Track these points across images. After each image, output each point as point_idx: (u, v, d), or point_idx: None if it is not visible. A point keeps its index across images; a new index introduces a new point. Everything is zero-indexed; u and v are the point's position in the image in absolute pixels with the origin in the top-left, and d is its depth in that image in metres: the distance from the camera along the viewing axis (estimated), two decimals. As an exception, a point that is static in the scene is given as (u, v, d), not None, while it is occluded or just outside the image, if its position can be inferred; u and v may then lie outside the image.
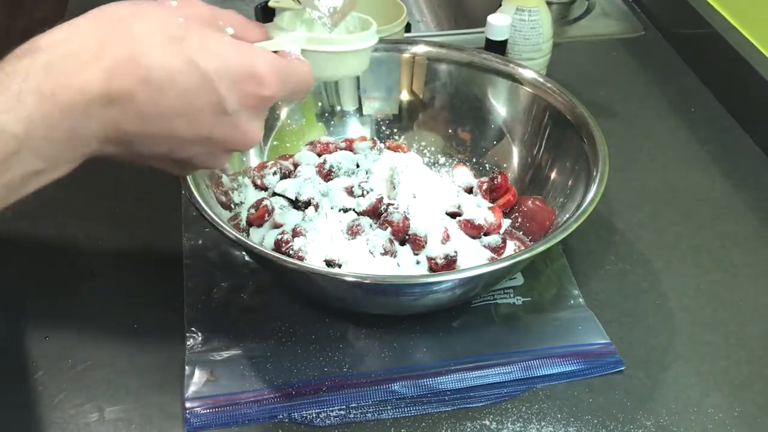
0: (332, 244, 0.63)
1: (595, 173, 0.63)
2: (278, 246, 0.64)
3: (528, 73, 0.74)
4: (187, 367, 0.59)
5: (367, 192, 0.67)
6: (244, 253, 0.68)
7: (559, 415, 0.57)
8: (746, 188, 0.79)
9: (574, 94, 0.70)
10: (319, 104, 0.79)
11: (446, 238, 0.65)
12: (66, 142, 0.44)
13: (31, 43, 0.44)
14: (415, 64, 0.78)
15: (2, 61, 0.43)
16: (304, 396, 0.58)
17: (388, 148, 0.75)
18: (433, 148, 0.79)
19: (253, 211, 0.68)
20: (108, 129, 0.45)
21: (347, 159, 0.72)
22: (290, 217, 0.67)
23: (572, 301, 0.66)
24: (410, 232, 0.64)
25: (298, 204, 0.69)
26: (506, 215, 0.71)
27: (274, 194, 0.70)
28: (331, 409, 0.57)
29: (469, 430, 0.56)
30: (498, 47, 0.83)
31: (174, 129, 0.47)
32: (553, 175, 0.70)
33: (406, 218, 0.64)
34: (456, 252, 0.63)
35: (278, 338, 0.62)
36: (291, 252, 0.63)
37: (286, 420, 0.57)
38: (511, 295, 0.66)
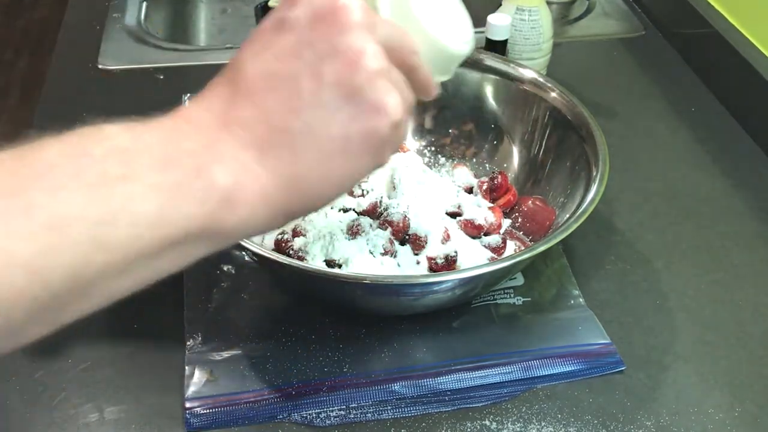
0: (332, 244, 0.63)
1: (595, 173, 0.63)
2: (278, 246, 0.64)
3: (528, 73, 0.74)
4: (187, 367, 0.59)
5: (367, 192, 0.67)
6: (244, 253, 0.68)
7: (559, 415, 0.57)
8: (746, 188, 0.79)
9: (574, 94, 0.70)
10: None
11: (446, 238, 0.65)
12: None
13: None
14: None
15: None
16: (304, 396, 0.58)
17: (388, 148, 0.75)
18: (433, 148, 0.79)
19: (253, 211, 0.68)
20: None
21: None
22: (290, 217, 0.67)
23: (572, 301, 0.66)
24: (410, 232, 0.64)
25: (298, 204, 0.69)
26: (506, 215, 0.71)
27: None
28: (331, 409, 0.57)
29: (469, 430, 0.56)
30: (498, 47, 0.83)
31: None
32: (553, 175, 0.70)
33: (406, 218, 0.64)
34: (456, 252, 0.63)
35: (278, 338, 0.62)
36: (291, 252, 0.63)
37: (286, 420, 0.57)
38: (511, 295, 0.66)
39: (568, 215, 0.63)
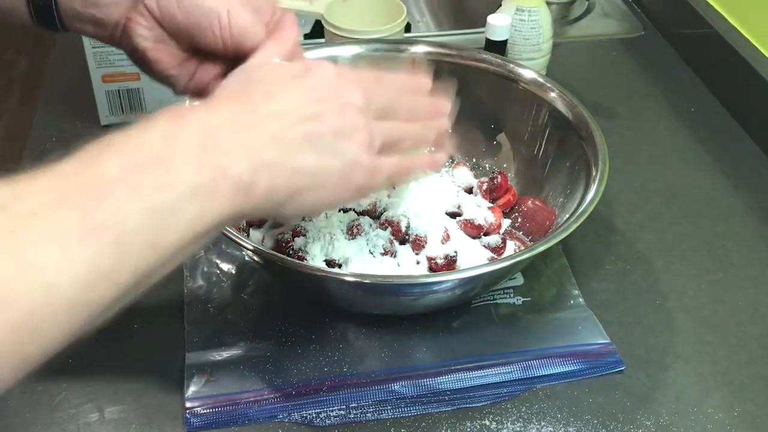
0: (332, 244, 0.63)
1: (595, 173, 0.63)
2: (278, 246, 0.64)
3: (528, 73, 0.74)
4: (187, 367, 0.59)
5: (367, 192, 0.67)
6: (244, 253, 0.68)
7: (559, 415, 0.57)
8: (746, 188, 0.79)
9: (574, 94, 0.70)
10: (319, 104, 0.78)
11: (446, 238, 0.65)
12: None
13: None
14: (415, 64, 0.78)
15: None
16: (304, 396, 0.58)
17: (388, 148, 0.75)
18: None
19: (253, 211, 0.68)
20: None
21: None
22: (290, 217, 0.67)
23: (572, 301, 0.66)
24: (410, 232, 0.64)
25: (298, 204, 0.69)
26: (506, 215, 0.71)
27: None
28: (331, 409, 0.57)
29: (469, 430, 0.56)
30: (498, 47, 0.83)
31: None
32: (553, 175, 0.70)
33: (406, 218, 0.64)
34: (456, 252, 0.63)
35: (278, 338, 0.62)
36: (291, 252, 0.63)
37: (286, 420, 0.57)
38: (511, 295, 0.66)
39: (568, 215, 0.63)
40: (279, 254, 0.58)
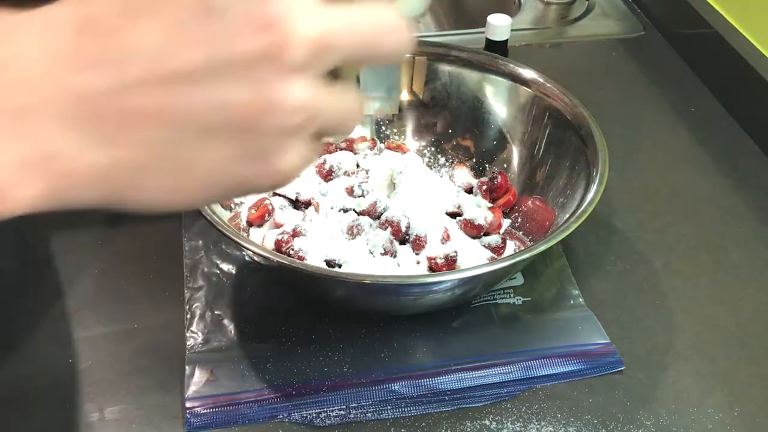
0: (332, 244, 0.63)
1: (595, 173, 0.63)
2: (278, 246, 0.64)
3: (528, 73, 0.74)
4: (187, 367, 0.59)
5: (367, 192, 0.67)
6: (244, 253, 0.68)
7: (559, 415, 0.57)
8: (746, 188, 0.79)
9: (574, 94, 0.70)
10: (319, 104, 0.78)
11: (446, 238, 0.65)
12: None
13: None
14: (415, 64, 0.78)
15: None
16: (304, 396, 0.58)
17: (388, 148, 0.75)
18: (433, 148, 0.79)
19: (253, 211, 0.68)
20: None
21: (347, 159, 0.72)
22: (290, 217, 0.67)
23: (572, 301, 0.66)
24: (410, 232, 0.64)
25: (298, 204, 0.70)
26: (506, 215, 0.71)
27: (274, 194, 0.70)
28: (331, 409, 0.57)
29: (469, 430, 0.56)
30: (498, 47, 0.83)
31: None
32: (553, 175, 0.70)
33: (405, 218, 0.64)
34: (456, 252, 0.63)
35: (278, 338, 0.62)
36: (291, 252, 0.63)
37: (286, 420, 0.57)
38: (511, 295, 0.66)
39: (568, 215, 0.63)
40: (279, 254, 0.58)
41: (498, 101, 0.76)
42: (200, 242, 0.70)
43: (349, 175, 0.71)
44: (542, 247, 0.57)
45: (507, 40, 0.84)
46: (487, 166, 0.76)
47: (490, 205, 0.70)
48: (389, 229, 0.64)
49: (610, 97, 0.93)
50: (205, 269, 0.68)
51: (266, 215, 0.67)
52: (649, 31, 1.06)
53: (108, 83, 0.28)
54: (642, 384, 0.60)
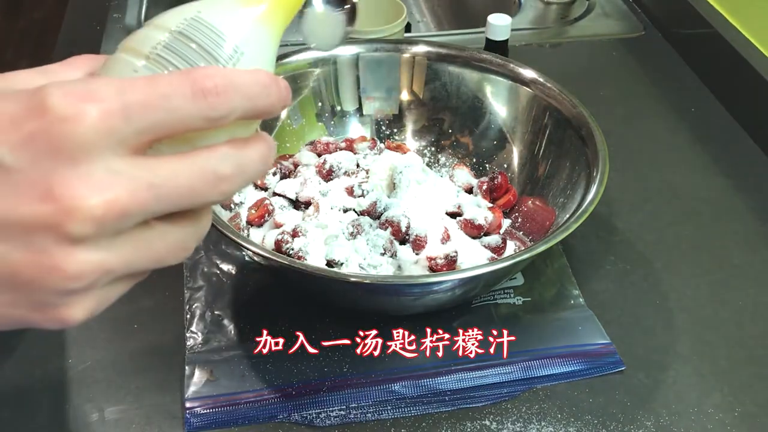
0: (332, 244, 0.63)
1: (595, 173, 0.63)
2: (278, 246, 0.64)
3: (528, 73, 0.74)
4: (187, 367, 0.59)
5: (367, 192, 0.67)
6: (244, 253, 0.68)
7: (559, 415, 0.57)
8: (746, 188, 0.79)
9: (574, 94, 0.70)
10: (319, 104, 0.79)
11: (446, 238, 0.65)
12: None
13: None
14: (415, 64, 0.78)
15: None
16: (304, 396, 0.58)
17: (388, 148, 0.75)
18: (433, 148, 0.79)
19: (253, 211, 0.68)
20: None
21: (347, 159, 0.72)
22: (290, 217, 0.67)
23: (572, 301, 0.66)
24: (410, 232, 0.64)
25: (298, 204, 0.70)
26: (506, 215, 0.71)
27: (274, 194, 0.70)
28: (331, 409, 0.57)
29: (469, 430, 0.56)
30: (498, 47, 0.83)
31: None
32: (553, 175, 0.70)
33: (406, 218, 0.64)
34: (456, 252, 0.63)
35: (278, 338, 0.62)
36: (291, 252, 0.63)
37: (286, 420, 0.57)
38: (511, 295, 0.66)
39: (568, 215, 0.63)
40: (279, 254, 0.58)
41: (498, 101, 0.76)
42: (200, 242, 0.70)
43: (349, 175, 0.71)
44: (542, 247, 0.57)
45: (507, 40, 0.84)
46: (487, 165, 0.76)
47: (490, 205, 0.70)
48: (389, 229, 0.64)
49: (610, 97, 0.93)
50: (205, 269, 0.68)
51: (266, 215, 0.67)
52: (649, 31, 1.06)
53: None
54: (642, 384, 0.60)
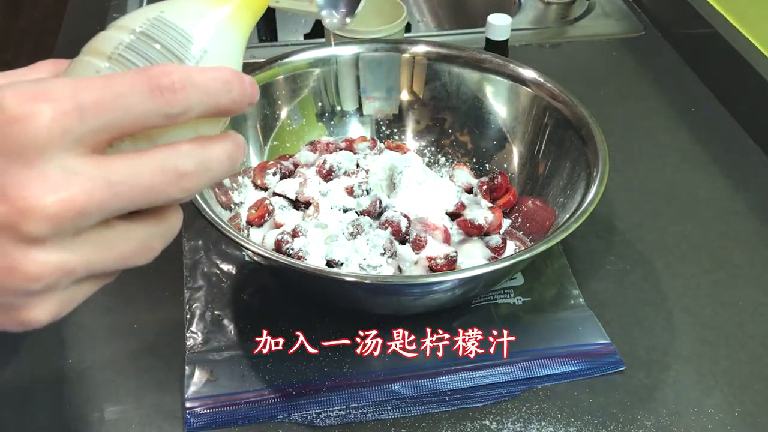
0: (332, 244, 0.63)
1: (595, 173, 0.63)
2: (278, 246, 0.64)
3: (528, 73, 0.74)
4: (187, 367, 0.59)
5: (368, 192, 0.67)
6: (244, 253, 0.68)
7: (559, 415, 0.57)
8: (746, 188, 0.79)
9: (574, 94, 0.70)
10: (319, 104, 0.79)
11: (446, 238, 0.65)
12: None
13: None
14: (415, 64, 0.78)
15: None
16: (304, 396, 0.58)
17: (388, 148, 0.75)
18: (433, 148, 0.79)
19: (253, 211, 0.68)
20: None
21: (347, 159, 0.72)
22: (290, 217, 0.67)
23: (572, 301, 0.66)
24: (410, 232, 0.64)
25: (298, 204, 0.69)
26: (506, 215, 0.71)
27: (274, 194, 0.70)
28: (331, 409, 0.57)
29: (469, 430, 0.56)
30: (498, 47, 0.83)
31: None
32: (553, 175, 0.70)
33: (406, 218, 0.64)
34: (456, 252, 0.63)
35: (278, 338, 0.62)
36: (291, 252, 0.63)
37: (286, 420, 0.57)
38: (511, 295, 0.66)
39: (568, 215, 0.63)
40: (279, 254, 0.58)
41: (498, 101, 0.76)
42: (200, 242, 0.70)
43: (349, 175, 0.71)
44: (542, 247, 0.57)
45: (507, 40, 0.84)
46: (487, 165, 0.76)
47: (490, 205, 0.70)
48: (389, 229, 0.64)
49: (610, 97, 0.93)
50: (205, 269, 0.68)
51: (266, 215, 0.67)
52: (649, 31, 1.06)
53: None
54: (642, 384, 0.60)
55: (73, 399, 0.58)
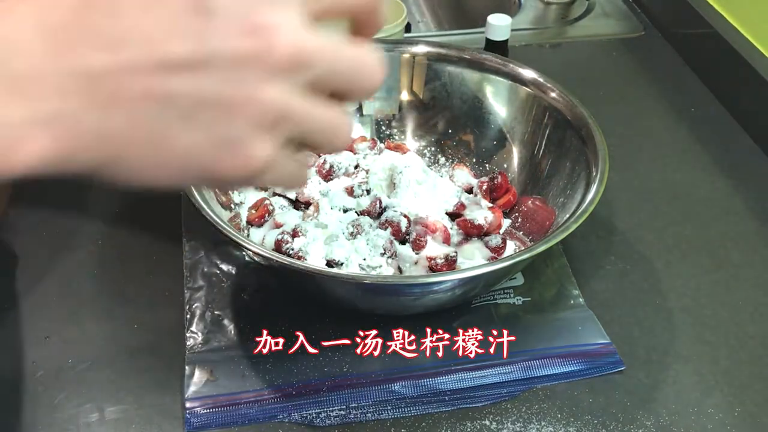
0: (332, 244, 0.63)
1: (595, 173, 0.63)
2: (278, 246, 0.64)
3: (528, 73, 0.74)
4: (187, 367, 0.59)
5: (368, 192, 0.67)
6: (244, 253, 0.68)
7: (559, 415, 0.57)
8: (746, 188, 0.79)
9: (574, 94, 0.70)
10: (319, 104, 0.78)
11: (446, 238, 0.65)
12: None
13: None
14: (415, 64, 0.78)
15: None
16: (304, 396, 0.58)
17: (388, 148, 0.75)
18: (433, 148, 0.79)
19: (253, 211, 0.68)
20: None
21: (347, 159, 0.72)
22: (290, 217, 0.67)
23: (572, 301, 0.66)
24: (410, 232, 0.64)
25: (298, 204, 0.70)
26: (506, 215, 0.71)
27: (274, 194, 0.70)
28: (331, 409, 0.57)
29: (469, 430, 0.56)
30: (498, 47, 0.83)
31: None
32: (553, 175, 0.70)
33: (406, 218, 0.64)
34: (456, 252, 0.63)
35: (278, 338, 0.62)
36: (291, 252, 0.63)
37: (286, 420, 0.57)
38: (511, 295, 0.66)
39: (568, 215, 0.63)
40: (279, 254, 0.58)
41: (498, 101, 0.76)
42: (200, 242, 0.70)
43: (349, 175, 0.71)
44: (542, 247, 0.57)
45: (507, 40, 0.84)
46: (487, 165, 0.76)
47: (490, 205, 0.70)
48: (389, 229, 0.64)
49: (610, 97, 0.93)
50: (205, 269, 0.68)
51: (266, 215, 0.67)
52: (649, 31, 1.06)
53: (101, 64, 0.30)
54: (642, 384, 0.60)
55: (73, 399, 0.58)
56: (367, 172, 0.71)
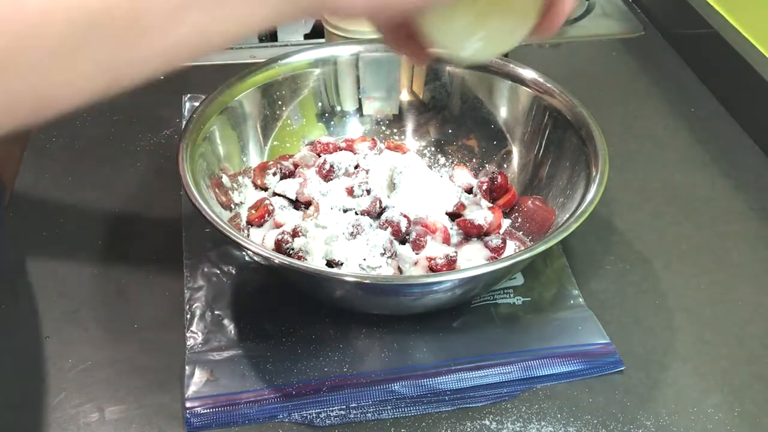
0: (332, 244, 0.63)
1: (595, 173, 0.63)
2: (278, 246, 0.64)
3: (528, 73, 0.74)
4: (187, 367, 0.60)
5: (368, 192, 0.67)
6: (244, 253, 0.68)
7: (559, 415, 0.57)
8: (746, 188, 0.79)
9: (574, 94, 0.70)
10: (319, 104, 0.79)
11: (446, 238, 0.65)
12: None
13: None
14: (415, 64, 0.78)
15: None
16: (304, 396, 0.58)
17: (388, 148, 0.75)
18: (433, 149, 0.79)
19: (253, 211, 0.68)
20: None
21: (347, 159, 0.72)
22: (290, 217, 0.67)
23: (572, 301, 0.66)
24: (410, 232, 0.64)
25: (298, 204, 0.70)
26: (506, 215, 0.71)
27: (274, 194, 0.70)
28: (331, 409, 0.57)
29: (469, 430, 0.56)
30: (498, 47, 0.83)
31: None
32: (553, 175, 0.70)
33: (406, 218, 0.64)
34: (456, 252, 0.63)
35: (278, 338, 0.62)
36: (291, 252, 0.63)
37: (286, 420, 0.57)
38: (511, 295, 0.66)
39: (568, 215, 0.63)
40: (279, 254, 0.58)
41: (498, 101, 0.76)
42: (200, 242, 0.70)
43: (349, 175, 0.71)
44: (542, 247, 0.57)
45: (507, 40, 0.83)
46: (487, 165, 0.76)
47: (490, 205, 0.70)
48: (389, 229, 0.64)
49: (610, 97, 0.93)
50: (205, 269, 0.68)
51: (266, 215, 0.67)
52: (649, 31, 1.06)
53: None
54: (642, 384, 0.60)
55: (73, 399, 0.58)
56: (367, 172, 0.71)
